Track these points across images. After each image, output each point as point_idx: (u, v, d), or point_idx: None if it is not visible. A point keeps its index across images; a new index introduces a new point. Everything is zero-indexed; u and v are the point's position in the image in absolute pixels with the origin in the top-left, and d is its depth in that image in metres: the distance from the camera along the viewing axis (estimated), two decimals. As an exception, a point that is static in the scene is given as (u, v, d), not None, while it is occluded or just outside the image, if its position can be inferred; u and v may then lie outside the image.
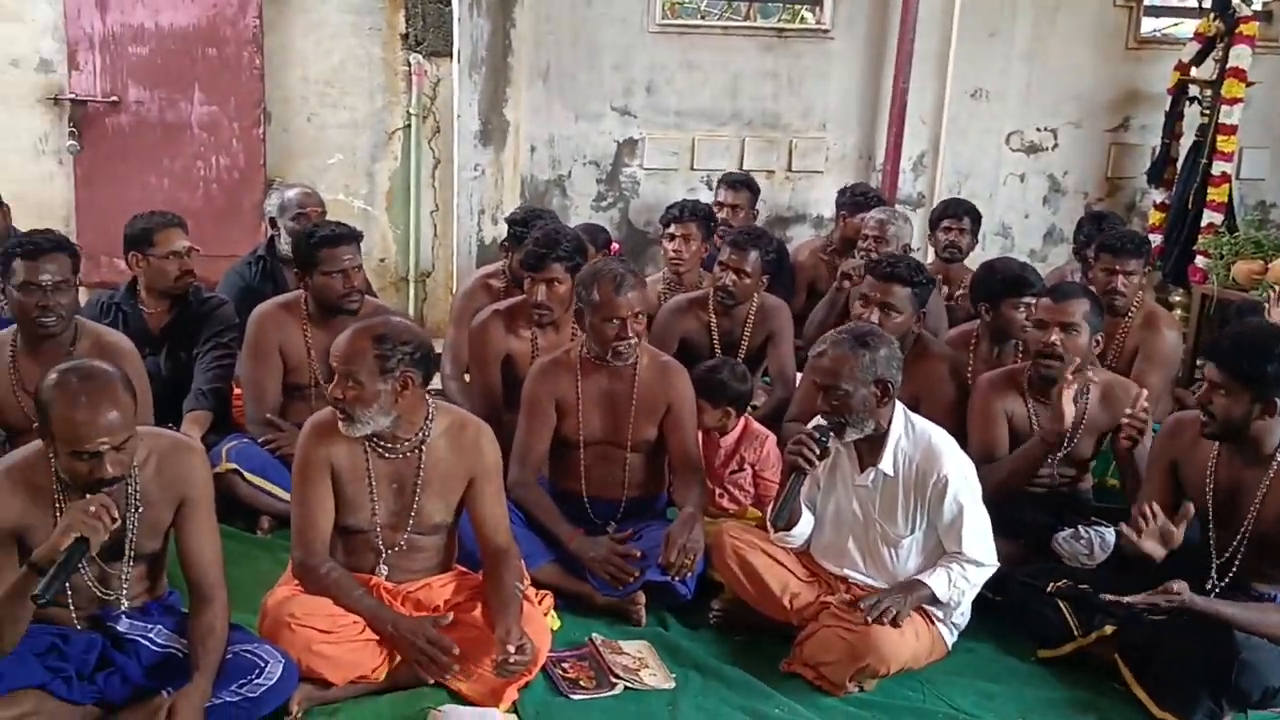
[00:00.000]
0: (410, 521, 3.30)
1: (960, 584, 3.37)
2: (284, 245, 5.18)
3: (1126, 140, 7.33)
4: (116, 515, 2.74)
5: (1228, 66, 6.35)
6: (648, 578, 3.68)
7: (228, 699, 2.92)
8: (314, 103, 6.51)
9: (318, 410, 3.42)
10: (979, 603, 3.54)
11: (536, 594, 3.53)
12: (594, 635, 3.58)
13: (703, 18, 7.03)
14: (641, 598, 3.71)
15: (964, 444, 3.69)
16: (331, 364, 3.20)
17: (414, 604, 3.32)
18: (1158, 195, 6.90)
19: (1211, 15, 6.49)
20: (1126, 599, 3.19)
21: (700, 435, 4.13)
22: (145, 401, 3.62)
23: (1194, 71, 6.61)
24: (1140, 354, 4.71)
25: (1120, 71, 7.21)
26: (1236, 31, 6.32)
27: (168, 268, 4.55)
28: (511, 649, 3.03)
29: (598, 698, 3.28)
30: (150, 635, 3.00)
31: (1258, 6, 6.41)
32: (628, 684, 3.34)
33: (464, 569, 3.49)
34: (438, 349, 4.18)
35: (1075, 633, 3.51)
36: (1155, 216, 6.88)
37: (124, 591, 2.99)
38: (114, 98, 6.20)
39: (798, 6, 7.16)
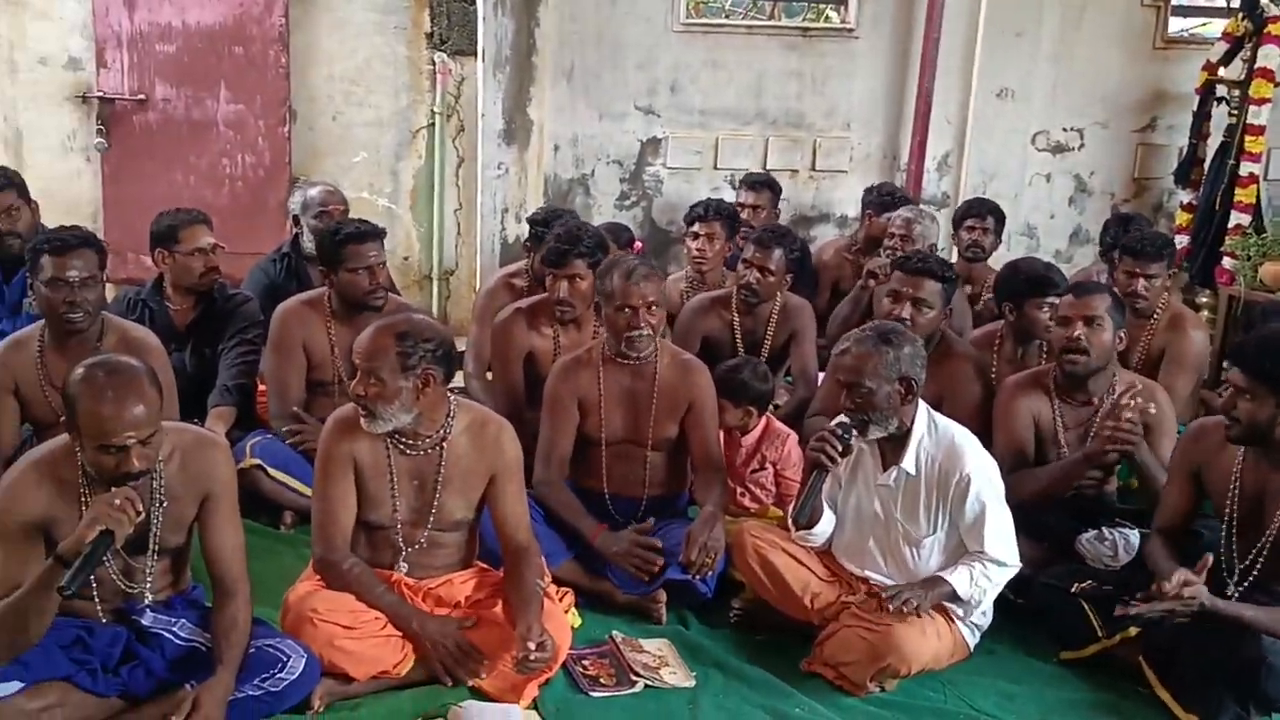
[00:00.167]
0: (431, 518, 3.31)
1: (982, 583, 3.36)
2: (307, 243, 5.20)
3: (1154, 141, 7.29)
4: (141, 509, 2.76)
5: (1256, 66, 6.30)
6: (669, 576, 3.68)
7: (250, 693, 2.94)
8: (339, 101, 6.55)
9: (341, 406, 3.43)
10: (1001, 604, 3.53)
11: (557, 591, 3.53)
12: (614, 633, 3.59)
13: (727, 17, 7.03)
14: (662, 596, 3.71)
15: (988, 444, 3.67)
16: (354, 361, 3.22)
17: (435, 600, 3.33)
18: (1185, 196, 6.86)
19: (1240, 15, 6.44)
20: (1133, 610, 3.14)
21: (721, 434, 4.12)
22: (170, 397, 3.63)
23: (1222, 72, 6.56)
24: (1166, 356, 4.67)
25: (1147, 71, 7.17)
26: (1265, 31, 6.27)
27: (193, 264, 4.58)
28: (532, 645, 3.03)
29: (618, 695, 3.28)
30: (174, 629, 3.02)
31: (1287, 5, 6.36)
32: (648, 682, 3.34)
33: (485, 566, 3.50)
34: (460, 347, 4.20)
35: (1099, 634, 3.48)
36: (1182, 217, 6.83)
37: (148, 585, 3.01)
38: (141, 96, 6.25)
39: (823, 6, 7.14)
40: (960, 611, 3.42)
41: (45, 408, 3.82)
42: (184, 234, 4.57)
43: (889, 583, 3.48)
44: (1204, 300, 6.58)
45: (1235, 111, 6.45)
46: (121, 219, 6.18)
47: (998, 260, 5.52)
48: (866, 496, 3.53)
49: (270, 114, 6.35)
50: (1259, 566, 3.31)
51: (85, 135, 6.32)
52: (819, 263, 6.07)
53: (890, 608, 3.27)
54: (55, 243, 3.84)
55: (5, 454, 3.58)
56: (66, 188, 6.29)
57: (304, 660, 3.02)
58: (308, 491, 3.90)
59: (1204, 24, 7.51)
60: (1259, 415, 3.21)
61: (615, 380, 3.91)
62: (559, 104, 6.57)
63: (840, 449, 3.35)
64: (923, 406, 3.47)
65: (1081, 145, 7.25)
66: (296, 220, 5.33)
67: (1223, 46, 6.56)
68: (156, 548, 2.98)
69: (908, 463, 3.41)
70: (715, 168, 6.86)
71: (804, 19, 7.13)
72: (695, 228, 5.48)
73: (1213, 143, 6.66)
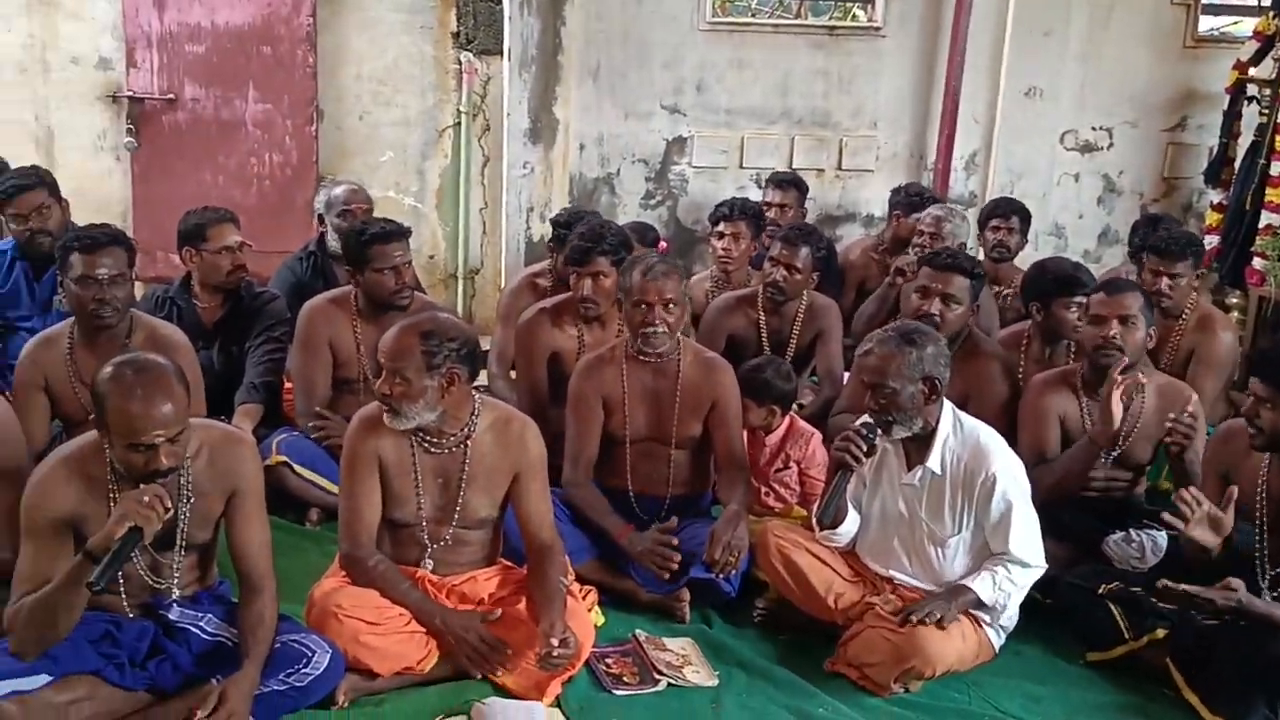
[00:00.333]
0: (455, 516, 3.32)
1: (1006, 587, 3.34)
2: (333, 241, 5.23)
3: (1183, 140, 7.22)
4: (169, 505, 2.78)
5: (1287, 65, 6.25)
6: (692, 575, 3.68)
7: (275, 688, 2.96)
8: (366, 101, 6.57)
9: (366, 405, 3.45)
10: (1027, 605, 3.51)
11: (580, 590, 3.54)
12: (637, 632, 3.59)
13: (753, 16, 7.01)
14: (686, 595, 3.71)
15: (1014, 444, 3.65)
16: (379, 360, 3.23)
17: (459, 597, 3.34)
18: (1215, 196, 6.79)
19: (1270, 14, 6.38)
20: (1181, 586, 3.14)
21: (745, 434, 4.12)
22: (198, 394, 3.67)
23: (1252, 71, 6.50)
24: (1195, 356, 4.64)
25: (1177, 70, 7.11)
26: (1296, 30, 6.22)
27: (220, 263, 4.61)
28: (555, 643, 3.04)
29: (641, 694, 3.29)
30: (201, 624, 3.04)
31: (1319, 4, 6.30)
32: (671, 681, 3.35)
33: (509, 563, 3.51)
34: (485, 346, 4.22)
35: (1126, 636, 3.46)
36: (1212, 217, 6.77)
37: (175, 580, 3.03)
38: (170, 95, 6.29)
39: (849, 4, 7.12)
40: (986, 616, 3.40)
41: (75, 404, 3.86)
42: (211, 232, 4.61)
43: (913, 583, 3.48)
44: (1234, 301, 6.52)
45: (1266, 111, 6.38)
46: (151, 218, 6.22)
47: (1025, 260, 5.49)
48: (891, 496, 3.52)
49: (298, 113, 6.38)
50: (1290, 568, 3.29)
51: (115, 134, 6.37)
52: (845, 262, 6.05)
53: (912, 621, 3.26)
54: (85, 241, 3.87)
55: (36, 450, 3.62)
56: (97, 186, 6.34)
57: (329, 656, 3.04)
58: (333, 489, 3.93)
59: (1235, 22, 7.44)
60: (1281, 424, 3.19)
61: (638, 378, 3.92)
62: (585, 103, 6.57)
63: (865, 449, 3.34)
64: (948, 406, 3.45)
65: (1110, 145, 7.20)
66: (321, 219, 5.36)
67: (1254, 45, 6.49)
68: (184, 544, 3.01)
69: (933, 462, 3.40)
70: (741, 167, 6.85)
71: (830, 18, 7.11)
72: (720, 227, 5.47)
73: (1243, 142, 6.59)
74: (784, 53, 6.76)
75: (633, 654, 3.47)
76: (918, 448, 3.44)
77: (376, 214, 5.16)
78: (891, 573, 3.53)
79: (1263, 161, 6.32)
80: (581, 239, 4.35)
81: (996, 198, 6.28)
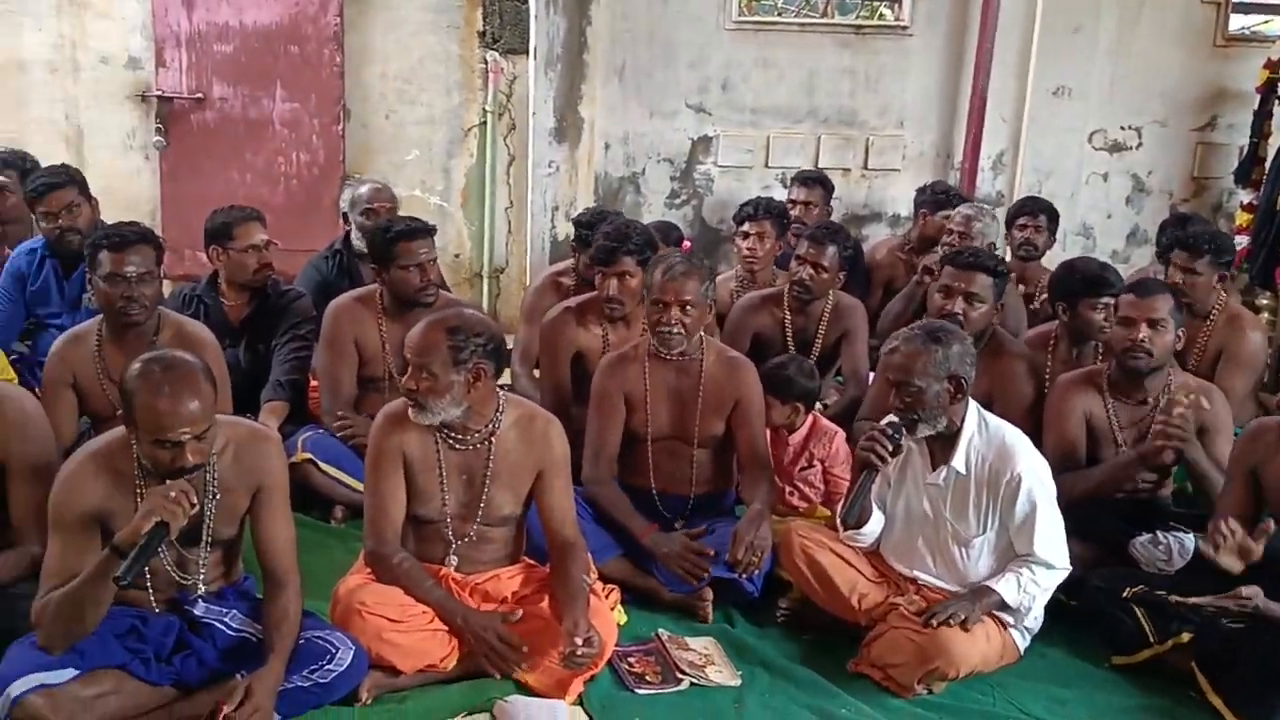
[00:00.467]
0: (479, 513, 3.33)
1: (1030, 589, 3.32)
2: (357, 239, 5.26)
3: (1213, 139, 7.17)
4: (195, 502, 2.80)
5: (1319, 64, 6.19)
6: (715, 574, 3.68)
7: (299, 683, 2.97)
8: (392, 99, 6.61)
9: (391, 402, 3.46)
10: (1052, 607, 3.49)
11: (604, 588, 3.53)
12: (660, 631, 3.59)
13: (779, 15, 6.99)
14: (709, 594, 3.70)
15: (1039, 445, 3.63)
16: (406, 356, 3.24)
17: (482, 595, 3.35)
18: (1245, 196, 6.74)
19: (1304, 12, 6.33)
20: (1193, 600, 3.14)
21: (769, 433, 4.11)
22: (224, 391, 3.69)
23: (1284, 69, 6.45)
24: (1224, 356, 4.60)
25: (1207, 69, 7.05)
26: (1329, 28, 6.16)
27: (247, 261, 4.64)
28: (579, 641, 3.04)
29: (663, 693, 3.28)
30: (226, 619, 3.06)
31: (1352, 2, 6.24)
32: (693, 680, 3.34)
33: (532, 562, 3.52)
34: (510, 344, 4.22)
35: (1151, 639, 3.43)
36: (1242, 218, 6.71)
37: (201, 576, 3.05)
38: (199, 94, 6.34)
39: (876, 3, 7.09)
40: (1010, 618, 3.38)
41: (103, 400, 3.89)
42: (238, 231, 4.63)
43: (938, 583, 3.46)
44: (1264, 302, 6.46)
45: (1297, 110, 6.34)
46: (179, 216, 6.27)
47: (1053, 260, 5.46)
48: (916, 496, 3.51)
49: (325, 112, 6.42)
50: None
51: (144, 133, 6.43)
52: (871, 262, 6.04)
53: (935, 623, 3.25)
54: (114, 239, 3.90)
55: (64, 445, 3.64)
56: (126, 185, 6.40)
57: (352, 652, 3.05)
58: (358, 486, 3.95)
59: (1265, 21, 7.38)
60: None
61: (661, 376, 3.91)
62: (610, 102, 6.58)
63: (890, 448, 3.33)
64: (973, 405, 3.44)
65: (1139, 144, 7.15)
66: (346, 217, 5.39)
67: (1285, 43, 6.45)
68: (209, 539, 3.03)
69: (958, 462, 3.38)
70: (766, 166, 6.84)
71: (857, 16, 7.09)
72: (745, 226, 5.46)
73: (1274, 142, 6.54)
74: (810, 52, 6.75)
75: (655, 653, 3.47)
76: (942, 447, 3.42)
77: (402, 213, 5.18)
78: (916, 573, 3.51)
79: (1293, 161, 6.28)
80: (607, 239, 4.35)
81: (1024, 196, 6.25)
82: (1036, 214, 5.75)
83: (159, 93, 6.33)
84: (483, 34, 6.57)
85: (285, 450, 3.33)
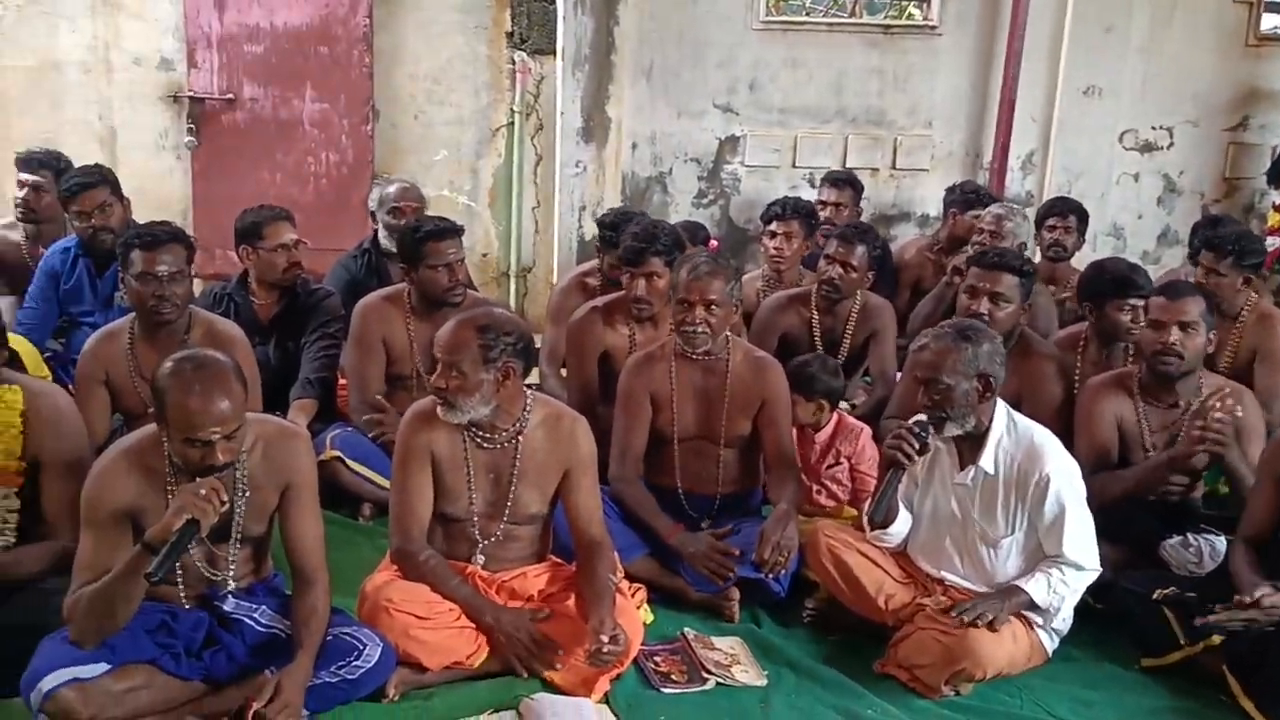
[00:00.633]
0: (506, 511, 3.34)
1: (1060, 589, 3.30)
2: (385, 239, 5.28)
3: (1245, 140, 7.11)
4: (225, 499, 2.82)
5: (1353, 63, 6.12)
6: (742, 574, 3.67)
7: (327, 679, 2.99)
8: (421, 100, 6.63)
9: (418, 400, 3.48)
10: (1081, 609, 3.46)
11: (630, 587, 3.54)
12: (686, 630, 3.59)
13: (808, 14, 6.97)
14: (735, 594, 3.70)
15: (1068, 446, 3.60)
16: (435, 354, 3.26)
17: (508, 593, 3.36)
18: (1277, 197, 6.66)
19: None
20: (1213, 619, 3.12)
21: (795, 431, 4.10)
22: (254, 389, 3.71)
23: (1318, 69, 6.39)
24: (1258, 357, 4.55)
25: (1239, 69, 6.99)
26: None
27: (276, 260, 4.67)
28: (605, 638, 3.05)
29: (689, 692, 3.28)
30: (255, 615, 3.08)
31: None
32: (719, 680, 3.34)
33: (558, 560, 3.52)
34: (538, 343, 4.23)
35: (1181, 641, 3.40)
36: (1274, 219, 6.63)
37: (230, 572, 3.07)
38: (230, 95, 6.38)
39: (905, 3, 7.07)
40: (1039, 619, 3.36)
41: (135, 398, 3.92)
42: (267, 230, 4.67)
43: (965, 584, 3.45)
44: (1297, 302, 6.40)
45: (1331, 110, 6.28)
46: (210, 216, 6.32)
47: (1084, 261, 5.42)
48: (943, 496, 3.49)
49: (354, 113, 6.45)
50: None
51: (176, 134, 6.48)
52: (900, 262, 6.01)
53: (965, 619, 3.24)
54: (146, 238, 3.94)
55: (96, 442, 3.67)
56: (158, 185, 6.45)
57: (380, 649, 3.07)
58: (386, 484, 3.95)
59: (1299, 20, 7.31)
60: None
61: (687, 376, 3.92)
62: (638, 102, 6.58)
63: (917, 446, 3.31)
64: (1002, 405, 3.42)
65: (1171, 144, 7.10)
66: (374, 216, 5.42)
67: (1318, 43, 6.39)
68: (239, 536, 3.05)
69: (986, 462, 3.37)
70: (794, 166, 6.83)
71: (886, 16, 7.06)
72: (773, 226, 5.45)
73: (1307, 142, 6.49)
74: (838, 51, 6.74)
75: (681, 652, 3.47)
76: (971, 447, 3.41)
77: (430, 212, 5.20)
78: (943, 573, 3.50)
79: (1327, 162, 6.22)
80: (635, 239, 4.36)
81: (1054, 197, 6.21)
82: (1066, 214, 5.72)
83: (191, 93, 6.38)
84: (511, 35, 6.59)
85: (314, 448, 3.34)
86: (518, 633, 3.22)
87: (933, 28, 6.79)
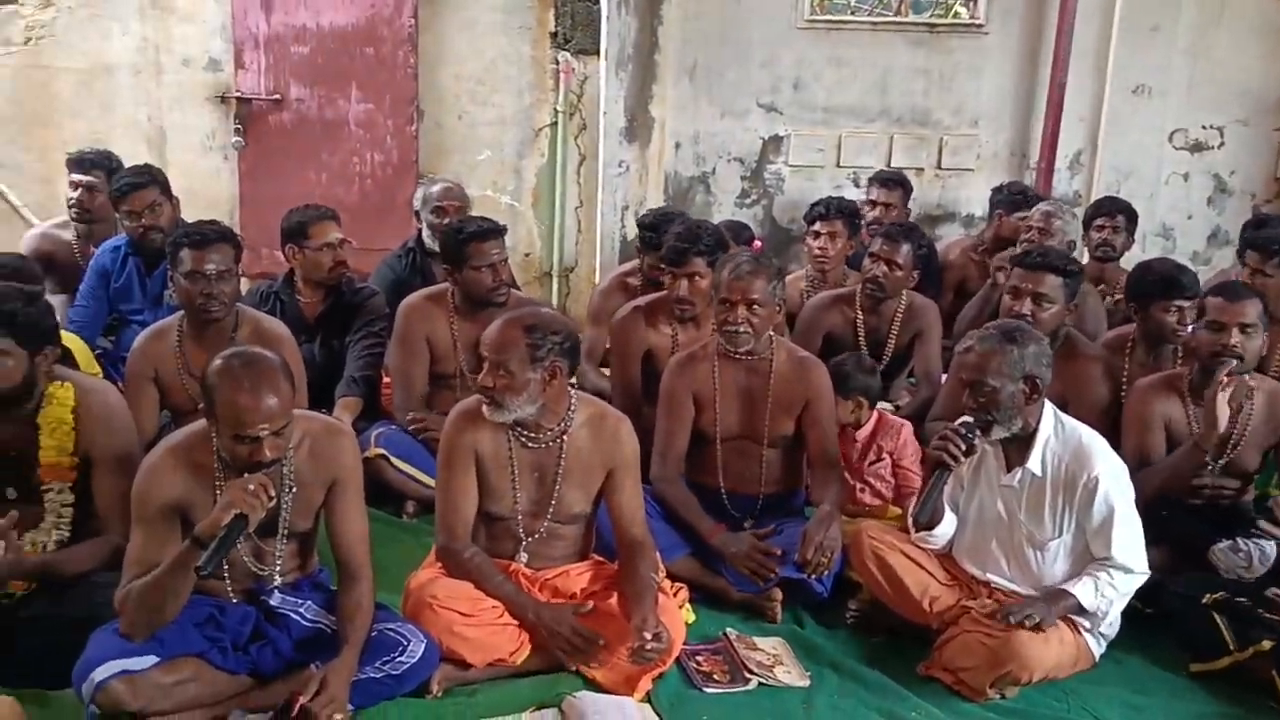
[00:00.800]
0: (550, 510, 3.35)
1: (1108, 593, 3.26)
2: (429, 238, 5.31)
3: (1297, 139, 7.00)
4: (273, 494, 2.85)
5: None
6: (784, 575, 3.66)
7: (371, 675, 3.02)
8: (465, 100, 6.66)
9: (463, 400, 3.49)
10: (1129, 613, 3.42)
11: (671, 587, 3.54)
12: (728, 630, 3.59)
13: (852, 13, 6.93)
14: (778, 595, 3.69)
15: (1116, 449, 3.56)
16: (482, 354, 3.26)
17: (552, 591, 3.37)
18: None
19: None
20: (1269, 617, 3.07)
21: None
22: (300, 387, 3.74)
23: (1372, 66, 6.27)
24: (1308, 358, 4.49)
25: (1291, 67, 6.89)
26: None
27: (322, 259, 4.71)
28: (647, 636, 3.05)
29: (731, 692, 3.27)
30: (300, 610, 3.11)
31: None
32: (761, 680, 3.33)
33: (601, 559, 3.53)
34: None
35: (1230, 647, 3.36)
36: (1327, 218, 6.54)
37: (277, 567, 3.10)
38: (276, 96, 6.44)
39: (951, 1, 7.01)
40: (1087, 623, 3.33)
41: (183, 395, 3.97)
42: (313, 230, 4.71)
43: (1011, 587, 3.42)
44: (1351, 304, 6.28)
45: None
46: (257, 215, 6.38)
47: (1133, 262, 5.36)
48: (989, 498, 3.46)
49: (399, 113, 6.49)
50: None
51: (224, 134, 6.55)
52: (944, 262, 5.97)
53: (1012, 622, 3.21)
54: (194, 237, 3.98)
55: (146, 439, 3.72)
56: (206, 185, 6.53)
57: (424, 645, 3.09)
58: (430, 481, 3.99)
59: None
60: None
61: (730, 376, 3.91)
62: (681, 101, 6.58)
63: (964, 448, 3.28)
64: (1049, 407, 3.39)
65: (1221, 143, 6.99)
66: (419, 216, 5.45)
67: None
68: (285, 531, 3.08)
69: (1033, 463, 3.34)
70: (838, 166, 6.79)
71: (931, 15, 7.00)
72: (816, 226, 5.43)
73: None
74: (883, 50, 6.69)
75: (723, 652, 3.47)
76: (1017, 449, 3.38)
77: (473, 212, 5.22)
78: (989, 576, 3.47)
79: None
80: (678, 239, 4.36)
81: (1102, 196, 6.15)
82: (1115, 214, 5.65)
83: (238, 94, 6.44)
84: (554, 35, 6.60)
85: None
86: (560, 626, 3.22)
87: (979, 26, 6.73)
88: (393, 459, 4.33)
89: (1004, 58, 6.74)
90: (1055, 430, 3.36)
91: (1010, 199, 5.83)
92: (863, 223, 5.69)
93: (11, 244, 5.45)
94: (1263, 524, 3.26)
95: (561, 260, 6.90)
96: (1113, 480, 3.28)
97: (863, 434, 4.24)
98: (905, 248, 4.68)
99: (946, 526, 3.49)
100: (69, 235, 5.38)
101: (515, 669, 3.27)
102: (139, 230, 4.94)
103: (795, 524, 3.84)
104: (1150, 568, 3.35)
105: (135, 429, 3.50)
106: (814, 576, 3.64)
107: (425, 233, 5.37)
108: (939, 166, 6.86)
